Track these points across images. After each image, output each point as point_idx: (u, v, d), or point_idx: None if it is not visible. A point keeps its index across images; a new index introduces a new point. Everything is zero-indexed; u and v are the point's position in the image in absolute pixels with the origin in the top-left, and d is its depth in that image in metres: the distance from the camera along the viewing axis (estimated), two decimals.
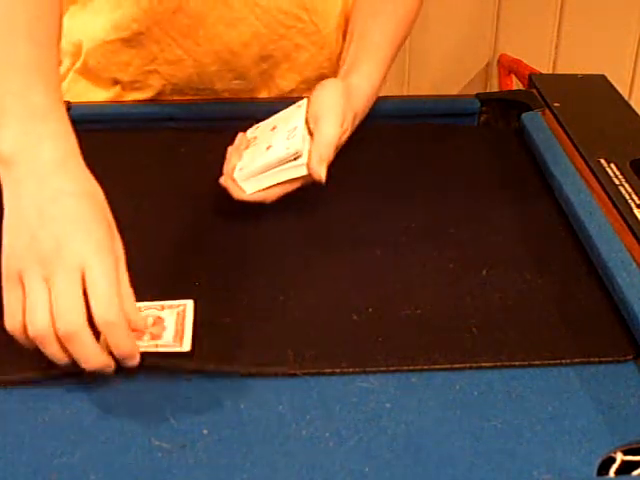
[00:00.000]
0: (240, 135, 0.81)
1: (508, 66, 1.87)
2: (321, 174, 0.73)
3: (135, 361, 0.60)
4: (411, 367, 0.62)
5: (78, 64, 0.99)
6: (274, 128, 0.80)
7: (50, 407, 0.59)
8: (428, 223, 0.79)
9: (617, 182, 0.80)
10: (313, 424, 0.58)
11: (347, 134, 0.79)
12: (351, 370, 0.62)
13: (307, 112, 0.79)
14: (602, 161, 0.84)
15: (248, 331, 0.65)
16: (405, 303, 0.68)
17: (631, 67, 1.96)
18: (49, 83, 0.65)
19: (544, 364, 0.63)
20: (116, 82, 0.99)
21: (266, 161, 0.75)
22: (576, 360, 0.63)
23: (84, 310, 0.57)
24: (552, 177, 0.83)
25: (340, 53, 0.93)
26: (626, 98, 1.00)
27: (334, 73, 0.89)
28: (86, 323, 0.57)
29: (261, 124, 0.83)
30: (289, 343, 0.64)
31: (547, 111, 0.95)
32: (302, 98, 0.82)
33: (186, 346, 0.62)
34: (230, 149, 0.80)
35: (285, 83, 1.01)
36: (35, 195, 0.61)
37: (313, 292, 0.70)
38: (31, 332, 0.58)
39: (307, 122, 0.78)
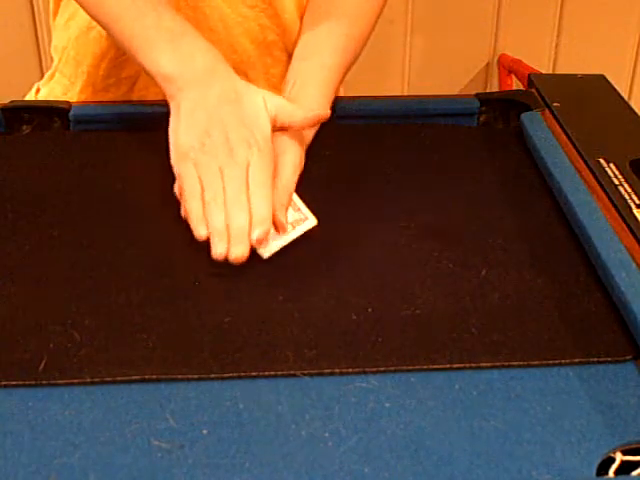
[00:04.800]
0: None
1: (508, 66, 1.87)
2: (283, 220, 0.73)
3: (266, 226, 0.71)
4: (410, 367, 0.62)
5: (63, 58, 1.02)
6: None
7: (50, 407, 0.59)
8: (428, 223, 0.79)
9: (617, 182, 0.80)
10: (312, 424, 0.58)
11: (300, 172, 0.78)
12: (350, 370, 0.62)
13: None
14: (602, 161, 0.84)
15: (248, 331, 0.65)
16: (405, 303, 0.69)
17: (631, 67, 1.96)
18: (171, 10, 0.81)
19: (543, 364, 0.63)
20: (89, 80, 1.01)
21: None
22: (576, 360, 0.63)
23: (249, 212, 0.71)
24: (551, 177, 0.83)
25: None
26: (626, 98, 1.00)
27: None
28: (248, 224, 0.70)
29: None
30: (289, 343, 0.64)
31: (547, 111, 0.95)
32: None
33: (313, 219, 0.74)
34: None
35: (254, 73, 1.00)
36: (200, 101, 0.76)
37: (313, 292, 0.70)
38: (211, 228, 0.71)
39: None
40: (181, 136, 0.75)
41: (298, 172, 0.77)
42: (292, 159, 0.76)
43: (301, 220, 0.74)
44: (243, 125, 0.75)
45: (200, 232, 0.71)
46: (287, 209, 0.74)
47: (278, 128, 0.78)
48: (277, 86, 1.00)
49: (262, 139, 0.75)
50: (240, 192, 0.72)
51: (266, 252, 0.72)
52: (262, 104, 0.76)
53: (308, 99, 0.82)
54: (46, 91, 1.06)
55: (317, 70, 0.85)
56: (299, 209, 0.75)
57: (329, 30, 0.88)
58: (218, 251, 0.70)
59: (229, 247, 0.70)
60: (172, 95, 0.78)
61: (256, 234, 0.70)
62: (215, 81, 0.77)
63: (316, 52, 0.87)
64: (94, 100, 1.01)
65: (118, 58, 0.98)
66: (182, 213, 0.74)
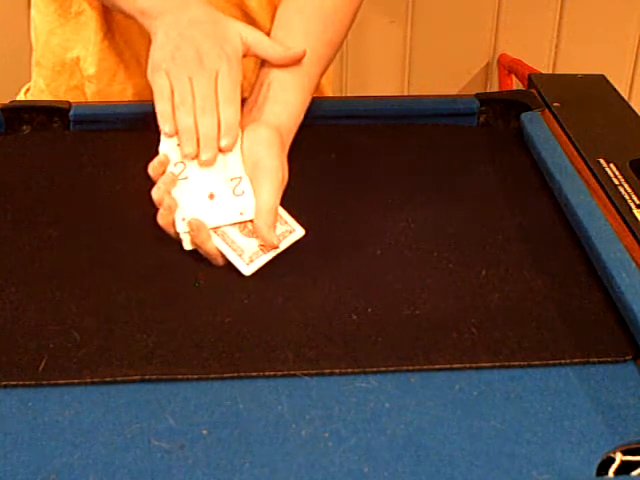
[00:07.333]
0: (168, 174, 0.73)
1: (508, 66, 1.87)
2: (273, 241, 0.71)
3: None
4: (410, 367, 0.62)
5: (39, 49, 1.04)
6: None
7: (50, 407, 0.59)
8: (428, 223, 0.79)
9: (616, 182, 0.80)
10: (312, 424, 0.58)
11: (285, 183, 0.75)
12: (350, 370, 0.62)
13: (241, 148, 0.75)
14: (601, 161, 0.84)
15: (248, 331, 0.65)
16: (405, 303, 0.69)
17: (631, 67, 1.96)
18: None
19: (543, 364, 0.63)
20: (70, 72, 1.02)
21: (220, 224, 0.72)
22: (576, 360, 0.63)
23: (217, 118, 0.73)
24: (551, 177, 0.83)
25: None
26: (626, 98, 1.00)
27: None
28: (216, 130, 0.73)
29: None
30: (289, 343, 0.64)
31: (547, 111, 0.95)
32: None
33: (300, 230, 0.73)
34: (159, 191, 0.72)
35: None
36: (174, 24, 0.79)
37: (313, 292, 0.70)
38: (179, 129, 0.73)
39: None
40: (155, 53, 0.78)
41: (281, 185, 0.73)
42: (270, 174, 0.73)
43: (287, 232, 0.73)
44: (214, 40, 0.77)
45: (165, 128, 0.73)
46: (274, 228, 0.71)
47: (251, 57, 0.81)
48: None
49: (232, 52, 0.77)
50: (208, 98, 0.74)
51: (250, 269, 0.71)
52: (236, 29, 0.79)
53: (291, 111, 0.80)
54: (32, 85, 1.06)
55: (298, 75, 0.82)
56: (286, 222, 0.74)
57: (307, 34, 0.85)
58: (186, 151, 0.73)
59: (199, 151, 0.72)
60: (149, 25, 0.81)
61: (224, 142, 0.73)
62: (188, 8, 0.80)
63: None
64: (72, 92, 1.02)
65: (97, 45, 0.99)
66: (150, 169, 0.73)
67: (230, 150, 0.74)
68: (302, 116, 0.81)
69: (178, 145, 0.74)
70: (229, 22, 0.80)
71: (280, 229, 0.73)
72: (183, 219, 0.71)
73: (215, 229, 0.72)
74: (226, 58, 0.76)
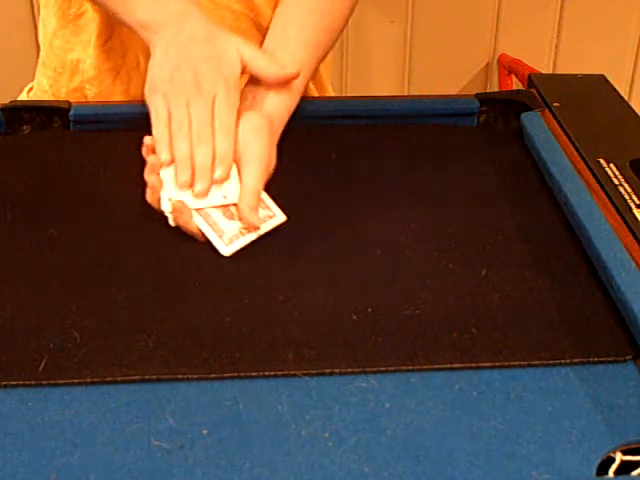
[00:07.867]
0: (152, 157, 0.76)
1: (508, 66, 1.87)
2: (255, 222, 0.74)
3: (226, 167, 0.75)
4: (410, 367, 0.62)
5: (46, 49, 1.03)
6: None
7: (50, 407, 0.59)
8: (428, 223, 0.79)
9: (616, 182, 0.80)
10: (312, 424, 0.58)
11: (271, 170, 0.77)
12: (350, 370, 0.62)
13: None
14: (601, 161, 0.84)
15: (248, 331, 0.66)
16: (404, 303, 0.69)
17: (631, 67, 1.96)
18: None
19: (543, 364, 0.63)
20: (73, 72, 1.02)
21: (204, 206, 0.74)
22: (576, 360, 0.63)
23: (212, 146, 0.74)
24: (551, 177, 0.83)
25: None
26: (626, 98, 1.00)
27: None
28: (211, 160, 0.74)
29: None
30: (289, 343, 0.64)
31: (547, 111, 0.95)
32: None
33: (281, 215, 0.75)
34: (146, 171, 0.77)
35: None
36: (173, 40, 0.79)
37: (313, 292, 0.70)
38: (176, 158, 0.74)
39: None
40: (153, 71, 0.79)
41: (266, 170, 0.76)
42: (256, 159, 0.75)
43: (268, 217, 0.75)
44: (212, 60, 0.78)
45: (162, 156, 0.75)
46: (256, 210, 0.74)
47: (247, 74, 0.80)
48: None
49: (230, 73, 0.78)
50: (204, 125, 0.75)
51: (228, 249, 0.73)
52: (234, 45, 0.79)
53: (283, 104, 0.82)
54: (35, 85, 1.06)
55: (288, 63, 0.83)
56: (268, 207, 0.76)
57: (303, 25, 0.86)
58: (181, 179, 0.74)
59: (193, 181, 0.74)
60: (149, 39, 0.82)
61: (217, 173, 0.74)
62: (187, 23, 0.81)
63: (290, 45, 0.85)
64: (73, 94, 1.02)
65: (97, 48, 0.99)
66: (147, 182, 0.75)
67: (224, 179, 0.74)
68: (295, 104, 0.83)
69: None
70: (228, 38, 0.80)
71: (261, 213, 0.75)
72: (169, 199, 0.74)
73: (199, 210, 0.74)
74: (223, 81, 0.77)
